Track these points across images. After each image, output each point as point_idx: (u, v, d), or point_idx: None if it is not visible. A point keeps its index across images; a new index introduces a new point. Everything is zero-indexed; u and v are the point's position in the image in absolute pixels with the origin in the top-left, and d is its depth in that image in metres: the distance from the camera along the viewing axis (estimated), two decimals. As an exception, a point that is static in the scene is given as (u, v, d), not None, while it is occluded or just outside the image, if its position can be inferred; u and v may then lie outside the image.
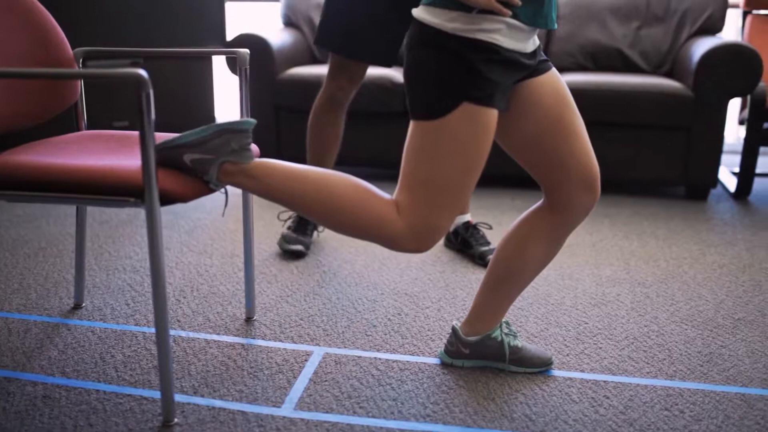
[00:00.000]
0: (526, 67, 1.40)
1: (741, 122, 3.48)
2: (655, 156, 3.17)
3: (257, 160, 1.42)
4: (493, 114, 1.36)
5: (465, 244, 2.46)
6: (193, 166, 1.40)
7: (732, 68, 3.00)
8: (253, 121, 1.40)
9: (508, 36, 1.33)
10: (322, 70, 3.39)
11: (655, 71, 3.56)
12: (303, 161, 3.47)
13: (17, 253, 2.40)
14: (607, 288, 2.18)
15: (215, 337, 1.82)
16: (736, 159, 4.13)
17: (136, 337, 1.81)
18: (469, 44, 1.31)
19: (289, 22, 3.91)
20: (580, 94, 3.13)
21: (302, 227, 2.46)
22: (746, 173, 3.23)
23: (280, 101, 3.38)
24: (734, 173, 3.50)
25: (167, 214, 2.89)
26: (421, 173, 1.37)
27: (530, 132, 1.47)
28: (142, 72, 1.26)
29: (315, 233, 2.62)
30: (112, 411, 1.47)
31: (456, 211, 1.40)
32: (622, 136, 3.17)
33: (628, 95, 3.10)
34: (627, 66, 3.59)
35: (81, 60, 1.83)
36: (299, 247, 2.39)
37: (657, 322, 1.95)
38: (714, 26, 3.55)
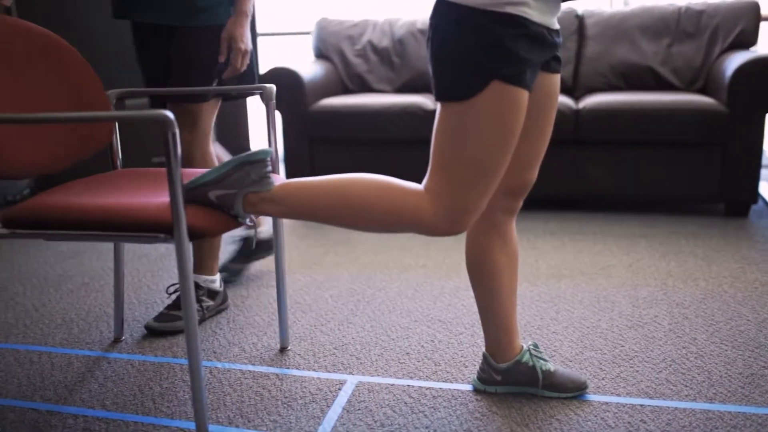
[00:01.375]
0: (552, 47, 1.36)
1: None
2: (692, 173, 3.13)
3: (277, 184, 1.44)
4: (523, 94, 1.31)
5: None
6: (218, 202, 1.43)
7: (767, 82, 2.95)
8: (269, 150, 1.42)
9: (537, 8, 1.29)
10: (354, 100, 3.43)
11: (687, 88, 3.53)
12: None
13: (61, 289, 2.46)
14: (644, 309, 2.15)
15: (250, 367, 1.84)
16: (778, 173, 4.05)
17: (174, 369, 1.84)
18: (497, 19, 1.26)
19: (321, 54, 3.97)
20: (612, 114, 3.11)
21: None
22: (787, 188, 3.16)
23: (313, 132, 3.43)
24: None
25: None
26: (453, 155, 1.33)
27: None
28: (168, 113, 1.30)
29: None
30: (150, 443, 1.50)
31: (490, 191, 1.37)
32: (657, 154, 3.14)
33: (661, 113, 3.07)
34: (659, 84, 3.56)
35: (115, 101, 1.90)
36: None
37: (696, 343, 1.91)
38: (747, 41, 3.51)
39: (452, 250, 2.78)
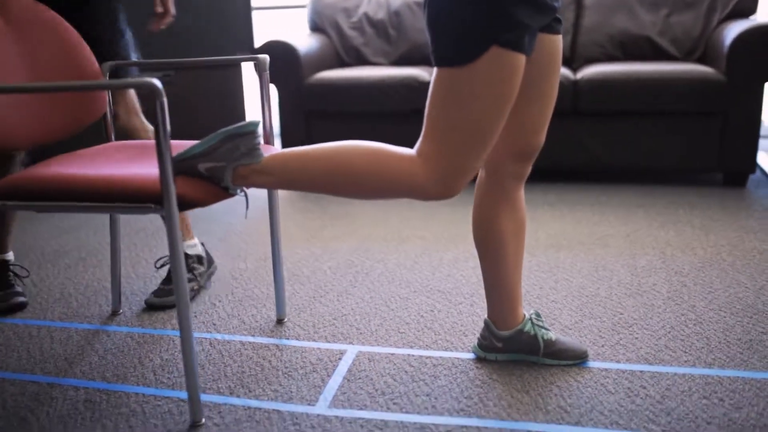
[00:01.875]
0: (551, 10, 1.35)
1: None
2: (690, 143, 3.12)
3: (267, 155, 1.43)
4: (521, 59, 1.31)
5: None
6: (208, 174, 1.43)
7: (766, 50, 2.93)
8: (257, 121, 1.41)
9: None
10: (350, 73, 3.40)
11: (686, 58, 3.50)
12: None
13: (58, 264, 2.46)
14: (642, 278, 2.15)
15: (250, 338, 1.84)
16: (776, 144, 4.04)
17: (173, 341, 1.84)
18: None
19: (316, 27, 3.94)
20: (610, 84, 3.09)
21: (2, 282, 2.13)
22: (785, 157, 3.15)
23: (309, 106, 3.40)
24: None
25: (201, 221, 2.93)
26: (449, 119, 1.33)
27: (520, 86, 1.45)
28: (157, 81, 1.29)
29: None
30: (151, 413, 1.50)
31: (483, 155, 1.36)
32: (655, 124, 3.13)
33: (659, 83, 3.05)
34: (657, 54, 3.53)
35: (108, 73, 1.89)
36: (20, 299, 2.08)
37: (695, 310, 1.91)
38: (747, 9, 3.48)
39: (451, 222, 2.77)
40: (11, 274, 2.16)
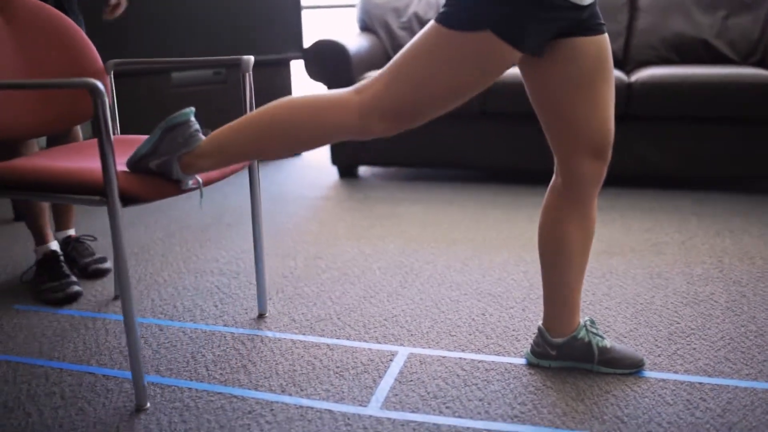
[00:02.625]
0: (575, 19, 1.34)
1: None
2: (747, 150, 3.04)
3: (204, 138, 1.46)
4: (512, 53, 1.30)
5: (68, 258, 2.35)
6: (159, 170, 1.47)
7: (830, 55, 2.84)
8: (189, 110, 1.46)
9: None
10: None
11: (744, 61, 3.42)
12: (387, 165, 3.49)
13: (112, 258, 2.50)
14: (699, 287, 2.10)
15: (301, 337, 1.85)
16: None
17: (225, 337, 1.85)
18: None
19: (366, 27, 3.94)
20: (665, 87, 3.03)
21: (56, 272, 2.18)
22: None
23: (357, 105, 3.40)
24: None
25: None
26: (412, 67, 1.33)
27: (557, 88, 1.43)
28: (98, 83, 1.36)
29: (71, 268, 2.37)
30: (204, 408, 1.51)
31: (415, 116, 1.34)
32: (710, 129, 3.05)
33: (716, 87, 2.98)
34: (713, 57, 3.45)
35: (112, 72, 2.00)
36: (76, 288, 2.14)
37: (755, 321, 1.86)
38: (808, 12, 3.38)
39: (501, 225, 2.75)
40: (62, 263, 2.21)
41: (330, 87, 3.43)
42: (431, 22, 1.34)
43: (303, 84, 4.83)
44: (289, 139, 1.39)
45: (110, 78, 1.97)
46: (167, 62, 1.91)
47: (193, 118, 1.47)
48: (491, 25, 1.28)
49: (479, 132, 3.31)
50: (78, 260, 2.35)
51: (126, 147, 1.83)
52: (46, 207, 2.25)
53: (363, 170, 3.80)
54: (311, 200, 3.23)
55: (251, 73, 1.81)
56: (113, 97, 1.99)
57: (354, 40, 3.54)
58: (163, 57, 3.70)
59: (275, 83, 4.08)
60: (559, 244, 1.55)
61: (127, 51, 3.53)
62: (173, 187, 1.52)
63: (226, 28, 3.81)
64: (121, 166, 1.57)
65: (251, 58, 1.81)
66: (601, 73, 1.43)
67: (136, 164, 1.49)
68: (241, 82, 1.85)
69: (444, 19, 1.31)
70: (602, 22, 1.44)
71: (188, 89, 3.80)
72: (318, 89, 3.92)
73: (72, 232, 2.42)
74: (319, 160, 4.11)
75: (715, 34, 3.46)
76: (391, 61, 1.37)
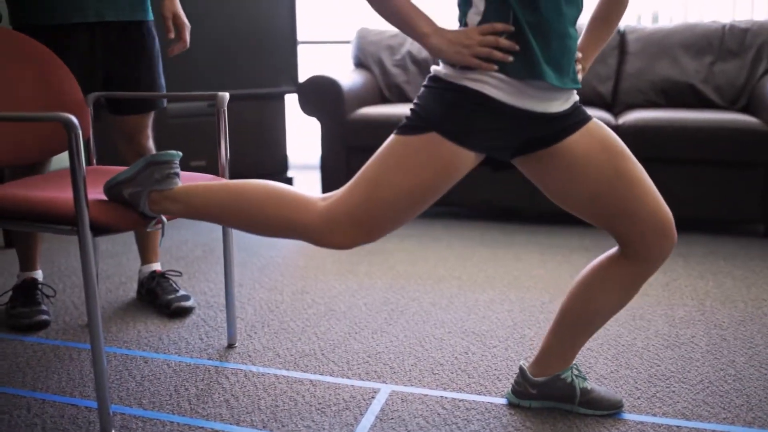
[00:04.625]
0: (545, 125, 1.38)
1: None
2: (732, 193, 3.08)
3: (180, 185, 1.51)
4: (460, 153, 1.35)
5: (151, 294, 2.31)
6: (130, 199, 1.52)
7: (812, 103, 2.91)
8: (175, 153, 1.50)
9: (502, 89, 1.33)
10: (391, 109, 3.45)
11: (729, 107, 3.48)
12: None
13: (99, 288, 2.51)
14: (681, 329, 2.12)
15: (284, 372, 1.86)
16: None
17: (209, 370, 1.86)
18: (457, 89, 1.34)
19: (360, 63, 4.00)
20: (652, 130, 3.08)
21: (29, 299, 2.19)
22: (830, 211, 3.10)
23: (350, 141, 3.45)
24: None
25: (240, 252, 2.97)
26: (370, 174, 1.38)
27: (590, 191, 1.44)
28: (72, 117, 1.41)
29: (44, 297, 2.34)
30: (186, 443, 1.52)
31: (378, 224, 1.38)
32: (696, 172, 3.10)
33: (702, 131, 3.03)
34: (700, 102, 3.52)
35: (92, 104, 2.05)
36: (43, 317, 2.14)
37: (734, 365, 1.88)
38: (793, 60, 3.46)
39: (488, 262, 2.77)
40: (39, 292, 2.22)
41: (323, 122, 3.48)
42: (390, 136, 1.42)
43: (297, 118, 4.88)
44: (250, 219, 1.45)
45: (90, 110, 2.01)
46: (148, 96, 1.97)
47: (177, 162, 1.51)
48: (437, 126, 1.34)
49: (470, 171, 3.34)
50: (161, 296, 2.27)
51: (100, 177, 1.86)
52: (39, 235, 2.27)
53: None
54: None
55: (225, 109, 1.86)
56: (91, 128, 2.02)
57: (348, 77, 3.60)
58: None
59: (269, 116, 4.13)
60: (591, 308, 1.55)
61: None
62: (138, 220, 1.56)
63: (222, 61, 3.86)
64: (94, 195, 1.61)
65: (226, 95, 1.85)
66: (618, 155, 1.43)
67: (111, 188, 1.55)
68: (216, 116, 1.88)
69: (398, 130, 1.40)
70: (587, 117, 1.45)
71: (183, 120, 3.84)
72: (312, 124, 3.97)
73: (158, 266, 2.37)
74: (311, 191, 4.14)
75: (702, 79, 3.53)
76: (355, 176, 1.43)
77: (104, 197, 1.58)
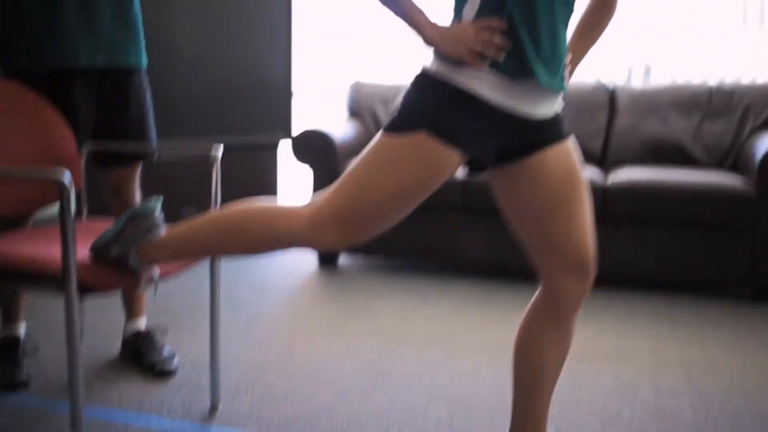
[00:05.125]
0: (526, 132, 1.40)
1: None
2: (719, 256, 3.10)
3: (166, 231, 1.52)
4: (449, 155, 1.35)
5: (136, 354, 2.27)
6: (118, 256, 1.52)
7: (798, 169, 2.95)
8: (156, 202, 1.52)
9: (492, 88, 1.34)
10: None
11: (717, 166, 3.52)
12: (368, 254, 3.52)
13: (83, 343, 2.49)
14: (666, 399, 2.12)
15: (267, 441, 1.84)
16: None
17: (192, 438, 1.85)
18: (448, 86, 1.35)
19: (354, 113, 4.04)
20: (640, 191, 3.11)
21: (11, 358, 2.18)
22: (817, 274, 3.12)
23: (341, 192, 3.46)
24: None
25: (227, 304, 2.96)
26: (357, 174, 1.38)
27: (532, 209, 1.47)
28: (65, 176, 1.42)
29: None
30: None
31: (363, 225, 1.38)
32: (684, 234, 3.12)
33: (690, 193, 3.06)
34: (688, 160, 3.56)
35: (85, 156, 2.05)
36: (22, 378, 2.11)
37: (719, 441, 1.88)
38: (779, 122, 3.51)
39: (476, 322, 2.77)
40: (20, 350, 2.20)
41: (316, 172, 3.50)
42: (377, 135, 1.41)
43: (290, 166, 4.90)
44: (240, 242, 1.45)
45: (83, 162, 2.02)
46: (138, 145, 2.01)
47: (159, 209, 1.52)
48: (426, 125, 1.34)
49: (460, 226, 3.36)
50: (145, 357, 2.24)
51: (90, 233, 1.85)
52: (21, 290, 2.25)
53: (343, 259, 3.83)
54: (289, 289, 3.25)
55: (219, 162, 1.87)
56: (85, 181, 2.03)
57: (341, 128, 3.63)
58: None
59: (263, 164, 4.16)
60: (533, 360, 1.56)
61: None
62: (131, 279, 1.55)
63: (218, 108, 3.89)
64: (82, 254, 1.60)
65: (220, 148, 1.86)
66: (573, 186, 1.46)
67: (98, 250, 1.54)
68: (212, 171, 1.89)
69: (387, 125, 1.39)
70: (565, 132, 1.47)
71: (175, 166, 3.85)
72: (303, 179, 4.00)
73: (143, 322, 2.33)
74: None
75: (691, 138, 3.58)
76: (341, 176, 1.43)
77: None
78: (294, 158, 3.56)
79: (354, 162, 1.42)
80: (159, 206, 1.52)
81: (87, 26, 2.00)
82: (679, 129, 3.60)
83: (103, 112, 2.09)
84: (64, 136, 1.93)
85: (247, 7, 3.89)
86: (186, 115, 3.81)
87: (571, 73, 1.56)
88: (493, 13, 1.33)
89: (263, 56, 3.98)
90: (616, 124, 3.71)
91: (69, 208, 1.43)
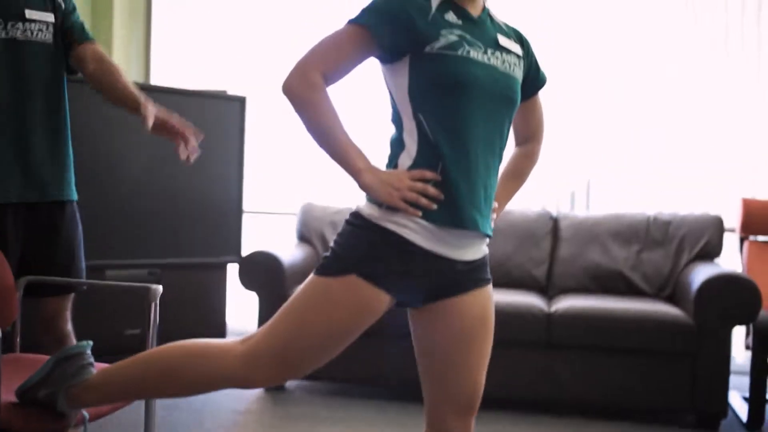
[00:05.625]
0: (452, 273, 1.44)
1: (747, 347, 3.48)
2: (662, 382, 3.14)
3: (94, 372, 1.49)
4: (378, 296, 1.39)
5: None
6: (47, 400, 1.48)
7: (730, 299, 3.05)
8: (85, 344, 1.50)
9: (422, 234, 1.39)
10: (330, 287, 3.48)
11: (657, 294, 3.62)
12: (314, 378, 3.47)
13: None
14: None
15: None
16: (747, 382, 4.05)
17: None
18: (378, 230, 1.39)
19: (303, 237, 4.08)
20: (583, 319, 3.17)
21: None
22: (757, 403, 3.17)
23: (288, 316, 3.44)
24: (746, 398, 3.44)
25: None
26: (289, 315, 1.40)
27: (437, 347, 1.50)
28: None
29: None
30: None
31: (305, 367, 1.40)
32: (628, 361, 3.16)
33: (630, 322, 3.13)
34: (629, 288, 3.65)
35: (22, 288, 1.99)
36: None
37: None
38: (712, 251, 3.65)
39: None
40: None
41: (261, 297, 3.49)
42: (310, 275, 1.44)
43: (238, 288, 4.87)
44: (172, 381, 1.43)
45: (19, 295, 1.97)
46: (80, 283, 2.00)
47: (88, 352, 1.50)
48: (356, 270, 1.38)
49: (408, 350, 3.35)
50: None
51: (19, 370, 1.78)
52: None
53: (290, 383, 3.75)
54: (232, 414, 3.16)
55: (158, 302, 1.85)
56: (19, 312, 1.96)
57: (289, 252, 3.66)
58: (99, 252, 3.72)
59: (211, 286, 4.12)
60: None
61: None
62: (58, 421, 1.50)
63: (165, 228, 3.89)
64: (8, 395, 1.55)
65: (159, 288, 1.85)
66: (481, 332, 1.50)
67: (24, 393, 1.50)
68: (146, 310, 1.87)
69: (319, 267, 1.43)
70: (488, 277, 1.53)
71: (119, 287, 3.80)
72: (251, 298, 3.98)
73: None
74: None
75: (631, 267, 3.69)
76: (276, 314, 1.45)
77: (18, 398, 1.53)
78: (241, 284, 3.55)
79: (288, 301, 1.44)
80: (88, 349, 1.50)
81: (20, 162, 2.02)
82: (619, 258, 3.71)
83: (32, 243, 2.07)
84: (1, 269, 1.89)
85: (199, 124, 3.98)
86: (133, 234, 3.80)
87: (495, 219, 1.63)
88: (428, 164, 1.40)
89: (215, 177, 4.04)
90: (559, 252, 3.82)
91: None
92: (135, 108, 2.04)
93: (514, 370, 3.25)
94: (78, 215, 2.19)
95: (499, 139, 1.46)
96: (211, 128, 4.00)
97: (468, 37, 1.41)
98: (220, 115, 4.02)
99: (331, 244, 1.46)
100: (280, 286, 3.46)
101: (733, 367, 4.09)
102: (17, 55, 1.98)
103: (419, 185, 1.38)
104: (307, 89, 1.37)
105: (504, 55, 1.45)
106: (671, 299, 3.59)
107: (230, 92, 4.11)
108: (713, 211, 3.78)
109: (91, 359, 1.51)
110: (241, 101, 4.05)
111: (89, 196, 3.63)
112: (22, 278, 1.99)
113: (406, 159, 1.43)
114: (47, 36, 2.04)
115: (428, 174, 1.39)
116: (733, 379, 4.02)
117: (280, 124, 4.59)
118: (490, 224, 1.48)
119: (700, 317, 3.09)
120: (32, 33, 2.00)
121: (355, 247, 1.40)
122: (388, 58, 1.41)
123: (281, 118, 4.52)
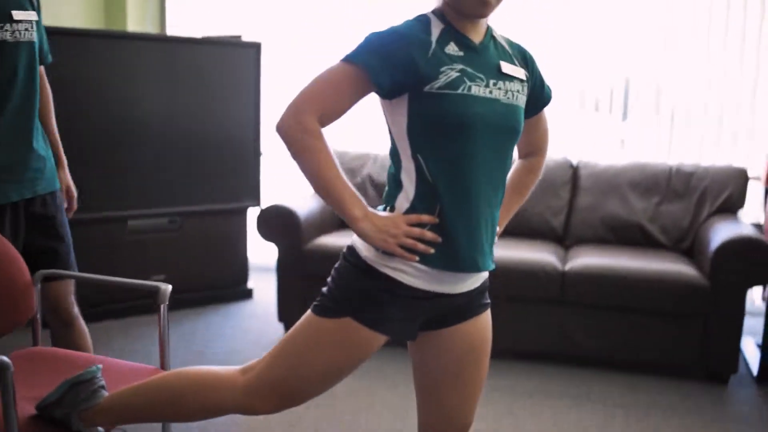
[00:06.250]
0: (448, 306, 1.46)
1: (764, 299, 3.48)
2: (672, 340, 3.17)
3: (107, 396, 1.55)
4: (373, 337, 1.42)
5: None
6: (62, 419, 1.55)
7: (748, 262, 3.02)
8: (95, 368, 1.55)
9: (419, 278, 1.40)
10: (348, 239, 3.52)
11: (675, 246, 3.60)
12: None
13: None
14: None
15: None
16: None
17: None
18: (375, 273, 1.40)
19: (321, 184, 4.08)
20: (597, 278, 3.18)
21: None
22: (768, 360, 3.19)
23: (307, 271, 3.50)
24: (759, 345, 3.45)
25: None
26: (288, 351, 1.45)
27: (433, 373, 1.54)
28: (5, 359, 1.40)
29: None
30: None
31: (303, 398, 1.46)
32: (640, 319, 3.19)
33: (644, 282, 3.13)
34: (647, 240, 3.64)
35: (40, 281, 2.04)
36: None
37: None
38: (735, 204, 3.60)
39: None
40: None
41: (280, 249, 3.54)
42: (308, 312, 1.46)
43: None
44: (179, 409, 1.50)
45: (37, 289, 2.01)
46: (89, 279, 2.03)
47: (99, 375, 1.56)
48: (351, 313, 1.40)
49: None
50: None
51: (41, 366, 1.81)
52: None
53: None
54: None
55: (167, 303, 1.86)
56: (38, 306, 2.00)
57: (306, 203, 3.68)
58: (121, 203, 3.79)
59: (231, 231, 4.19)
60: None
61: (86, 195, 3.61)
62: None
63: (184, 175, 3.93)
64: (27, 406, 1.60)
65: (168, 288, 1.86)
66: (471, 362, 1.53)
67: (43, 409, 1.57)
68: (158, 312, 1.89)
69: (314, 308, 1.45)
70: (486, 302, 1.54)
71: (142, 236, 3.88)
72: (271, 248, 4.04)
73: None
74: (266, 313, 4.16)
75: (649, 218, 3.66)
76: (274, 348, 1.49)
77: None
78: (260, 236, 3.59)
79: (287, 334, 1.48)
80: (99, 373, 1.56)
81: (18, 162, 2.06)
82: (638, 209, 3.68)
83: (32, 236, 2.12)
84: (18, 268, 1.89)
85: (215, 72, 3.94)
86: (154, 181, 3.84)
87: (497, 235, 1.62)
88: (426, 206, 1.38)
89: (232, 123, 4.03)
90: (578, 202, 3.79)
91: (8, 390, 1.42)
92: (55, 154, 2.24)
93: (528, 324, 3.30)
94: (62, 200, 2.27)
95: (502, 171, 1.42)
96: (228, 75, 3.97)
97: (469, 70, 1.35)
98: (236, 61, 3.97)
99: (329, 279, 1.47)
100: (297, 238, 3.50)
101: (748, 307, 4.06)
102: (9, 58, 1.97)
103: (416, 230, 1.36)
104: (302, 135, 1.33)
105: (507, 83, 1.40)
106: (689, 253, 3.57)
107: (245, 38, 4.04)
108: (737, 164, 3.69)
109: (102, 382, 1.57)
110: (256, 47, 4.00)
111: (107, 148, 3.67)
112: (38, 273, 2.02)
113: (403, 201, 1.41)
114: (32, 35, 2.03)
115: (425, 218, 1.37)
116: (748, 322, 4.02)
117: (296, 68, 4.52)
118: (492, 257, 1.47)
119: (715, 279, 3.08)
120: (20, 33, 1.98)
121: (352, 290, 1.41)
122: (387, 95, 1.37)
123: (296, 63, 4.44)
